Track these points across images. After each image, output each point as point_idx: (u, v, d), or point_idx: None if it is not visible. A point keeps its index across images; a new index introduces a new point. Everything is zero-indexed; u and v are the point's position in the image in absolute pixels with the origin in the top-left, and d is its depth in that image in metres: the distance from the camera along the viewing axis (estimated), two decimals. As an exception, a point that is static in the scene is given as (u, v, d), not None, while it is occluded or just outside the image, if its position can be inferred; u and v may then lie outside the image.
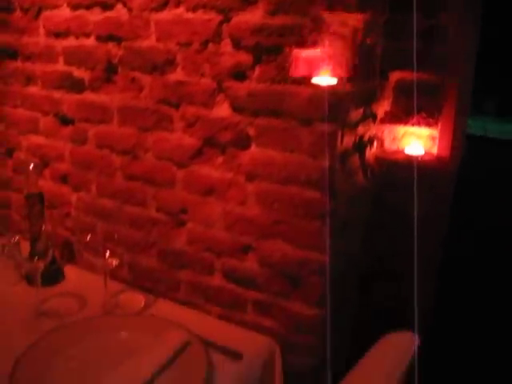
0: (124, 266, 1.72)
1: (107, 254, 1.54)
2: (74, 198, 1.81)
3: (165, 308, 1.61)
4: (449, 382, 2.28)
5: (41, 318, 1.54)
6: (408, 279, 1.74)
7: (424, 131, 1.70)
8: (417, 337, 1.19)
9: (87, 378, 1.28)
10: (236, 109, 1.44)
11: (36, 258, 1.51)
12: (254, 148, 1.43)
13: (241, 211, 1.49)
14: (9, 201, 2.02)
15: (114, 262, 1.54)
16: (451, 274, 1.77)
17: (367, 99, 1.52)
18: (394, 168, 1.71)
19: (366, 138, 1.55)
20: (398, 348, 1.23)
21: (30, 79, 1.81)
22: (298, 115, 1.36)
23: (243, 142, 1.44)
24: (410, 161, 1.70)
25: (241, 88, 1.42)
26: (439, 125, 1.66)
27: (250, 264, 1.52)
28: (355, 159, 1.50)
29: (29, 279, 1.74)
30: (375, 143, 1.63)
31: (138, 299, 1.66)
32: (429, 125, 1.67)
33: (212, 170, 1.51)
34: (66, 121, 1.75)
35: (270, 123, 1.39)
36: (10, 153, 1.96)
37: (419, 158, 1.69)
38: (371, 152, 1.61)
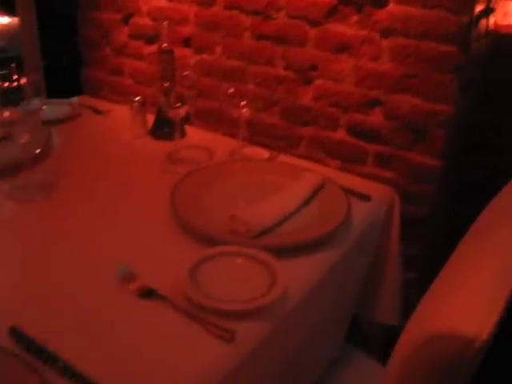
0: (243, 124, 1.83)
1: (242, 103, 1.65)
2: (195, 59, 1.91)
3: (287, 161, 1.75)
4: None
5: (175, 163, 1.68)
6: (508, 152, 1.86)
7: (537, 6, 1.78)
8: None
9: (235, 206, 1.42)
10: (377, -34, 1.52)
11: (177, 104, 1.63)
12: (392, 5, 1.52)
13: (373, 66, 1.60)
14: (122, 67, 2.13)
15: (248, 112, 1.66)
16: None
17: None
18: (503, 41, 1.80)
19: (491, 5, 1.64)
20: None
21: None
22: (441, -29, 1.44)
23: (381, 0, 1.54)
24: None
25: None
26: (552, 0, 1.73)
27: (376, 118, 1.64)
28: (483, 23, 1.59)
29: (155, 134, 1.88)
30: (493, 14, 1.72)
31: (261, 153, 1.79)
32: (543, 0, 1.75)
33: (346, 28, 1.60)
34: (192, -17, 1.84)
35: (412, -20, 1.48)
36: (126, 19, 2.05)
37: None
38: (489, 22, 1.70)
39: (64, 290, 1.16)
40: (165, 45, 1.76)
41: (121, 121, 1.96)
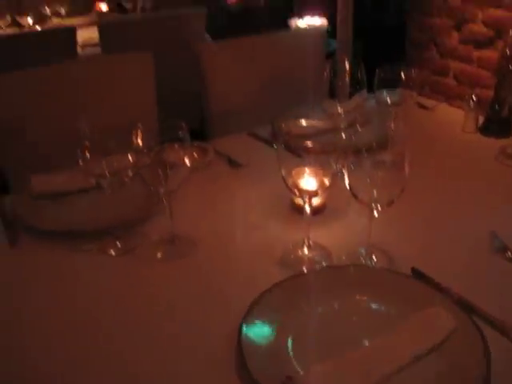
0: None
1: None
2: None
3: None
4: None
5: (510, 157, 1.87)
6: None
7: None
8: None
9: None
10: None
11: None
12: None
13: None
14: (447, 68, 2.37)
15: None
16: None
17: None
18: None
19: None
20: None
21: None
22: None
23: None
24: None
25: None
26: None
27: None
28: None
29: (484, 131, 2.08)
30: None
31: None
32: None
33: None
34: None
35: None
36: (459, 25, 2.28)
37: None
38: None
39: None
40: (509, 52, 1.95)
41: (447, 116, 2.20)
